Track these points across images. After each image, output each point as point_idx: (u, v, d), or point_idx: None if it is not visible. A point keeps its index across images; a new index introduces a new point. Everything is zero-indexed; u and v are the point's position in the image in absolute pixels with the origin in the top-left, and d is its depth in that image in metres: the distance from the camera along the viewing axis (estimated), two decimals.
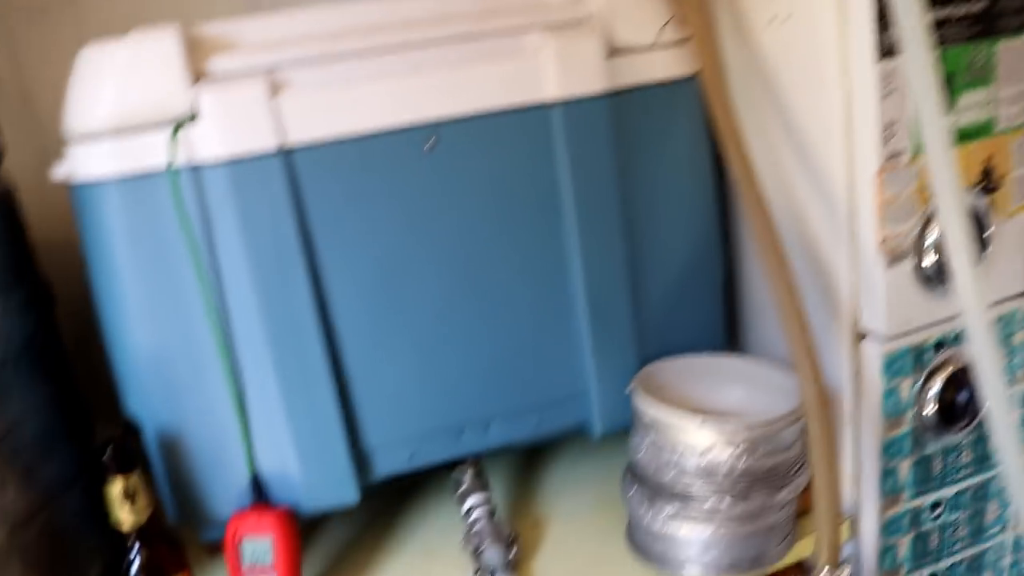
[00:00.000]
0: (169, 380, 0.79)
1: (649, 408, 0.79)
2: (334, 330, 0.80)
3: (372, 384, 0.82)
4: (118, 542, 0.75)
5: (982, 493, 0.94)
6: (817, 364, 0.74)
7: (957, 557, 0.96)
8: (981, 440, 0.91)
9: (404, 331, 0.82)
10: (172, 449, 0.80)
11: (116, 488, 0.73)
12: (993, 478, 0.94)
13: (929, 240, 0.83)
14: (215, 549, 0.92)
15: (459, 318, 0.83)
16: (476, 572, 0.83)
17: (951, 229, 0.67)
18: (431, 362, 0.83)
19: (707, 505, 0.78)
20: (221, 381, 0.78)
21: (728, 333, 0.99)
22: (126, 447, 0.74)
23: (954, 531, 0.94)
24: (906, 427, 0.86)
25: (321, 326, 0.79)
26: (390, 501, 1.00)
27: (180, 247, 0.76)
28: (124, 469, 0.74)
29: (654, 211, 0.90)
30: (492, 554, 0.83)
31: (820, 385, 0.73)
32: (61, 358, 0.87)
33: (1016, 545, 0.99)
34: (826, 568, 0.78)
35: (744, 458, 0.77)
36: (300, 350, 0.79)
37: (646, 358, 0.89)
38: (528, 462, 1.05)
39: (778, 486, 0.79)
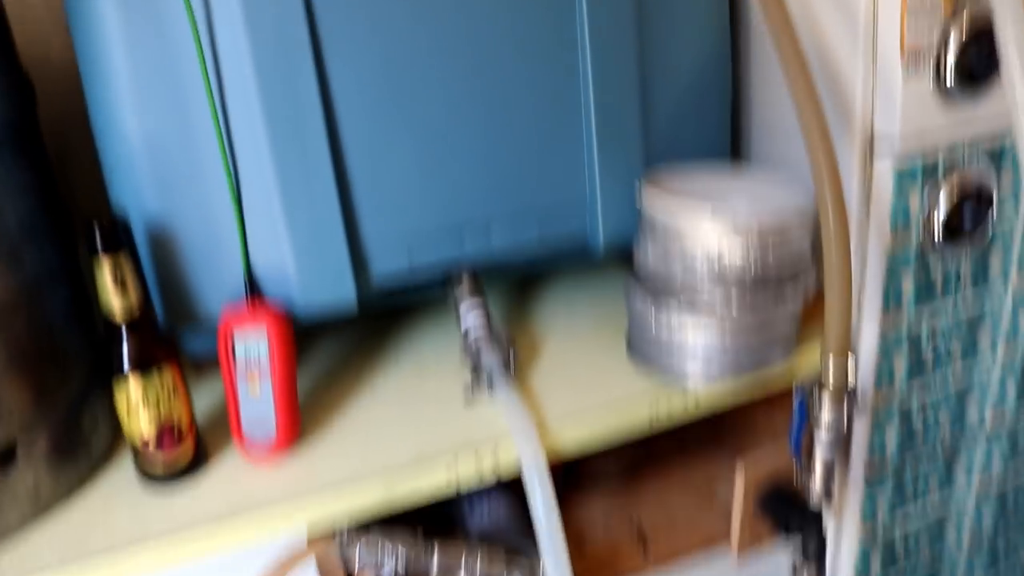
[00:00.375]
0: (161, 167, 0.75)
1: (659, 203, 0.77)
2: (336, 120, 0.76)
3: (373, 177, 0.78)
4: (105, 337, 0.72)
5: (978, 314, 0.94)
6: (833, 154, 0.71)
7: (949, 378, 0.96)
8: (982, 259, 0.90)
9: (407, 124, 0.78)
10: (161, 241, 0.77)
11: (105, 269, 0.70)
12: (990, 299, 0.93)
13: (951, 49, 0.80)
14: (204, 367, 0.90)
15: (464, 114, 0.80)
16: (474, 379, 0.82)
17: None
18: (433, 157, 0.80)
19: (715, 309, 0.76)
20: (217, 169, 0.75)
21: (733, 152, 0.96)
22: (114, 228, 0.71)
23: (949, 351, 0.94)
24: (912, 242, 0.84)
25: (323, 115, 0.75)
26: (386, 322, 0.98)
27: (179, 25, 0.71)
28: (112, 249, 0.70)
29: (667, 19, 0.86)
30: (490, 357, 0.81)
31: (836, 174, 0.71)
32: (41, 151, 0.82)
33: (1004, 369, 1.00)
34: (831, 373, 0.76)
35: (753, 259, 0.75)
36: (301, 139, 0.75)
37: (652, 168, 0.86)
38: (526, 287, 1.03)
39: (786, 290, 0.78)
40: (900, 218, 0.82)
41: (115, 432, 0.80)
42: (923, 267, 0.86)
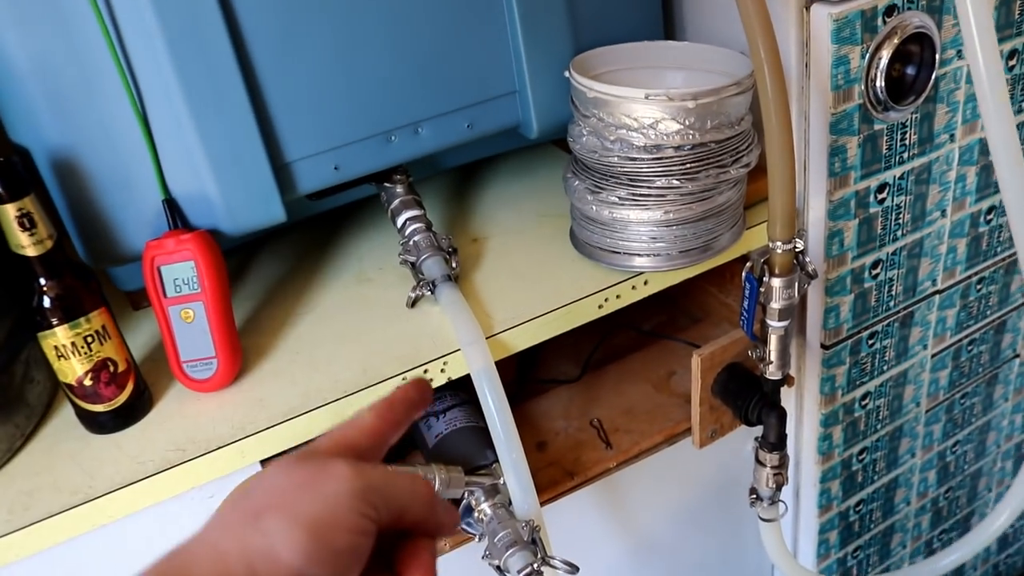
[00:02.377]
0: (55, 95, 0.69)
1: (590, 87, 0.73)
2: (240, 29, 0.71)
3: (287, 88, 0.74)
4: (26, 283, 0.68)
5: (925, 176, 0.93)
6: (768, 18, 0.68)
7: (900, 243, 0.95)
8: (927, 118, 0.89)
9: (318, 28, 0.73)
10: (69, 175, 0.72)
11: (9, 215, 0.65)
12: (936, 160, 0.92)
13: None
14: (139, 303, 0.87)
15: (378, 12, 0.75)
16: (416, 285, 0.79)
17: None
18: (350, 62, 0.75)
19: (655, 185, 0.74)
20: (118, 92, 0.69)
21: (666, 29, 0.93)
22: (14, 170, 0.66)
23: (898, 215, 0.93)
24: (854, 102, 0.82)
25: (226, 25, 0.69)
26: (322, 230, 0.95)
27: None
28: (15, 194, 0.65)
29: None
30: (431, 265, 0.79)
31: (772, 42, 0.68)
32: None
33: (953, 231, 0.99)
34: (779, 243, 0.75)
35: (692, 132, 0.72)
36: (205, 53, 0.69)
37: (581, 50, 0.82)
38: (461, 184, 1.00)
39: (728, 162, 0.75)
40: (842, 76, 0.79)
41: (53, 382, 0.77)
42: (867, 129, 0.84)
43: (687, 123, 0.72)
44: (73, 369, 0.70)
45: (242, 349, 0.77)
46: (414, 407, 0.49)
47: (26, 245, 0.66)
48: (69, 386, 0.71)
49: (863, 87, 0.81)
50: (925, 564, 1.15)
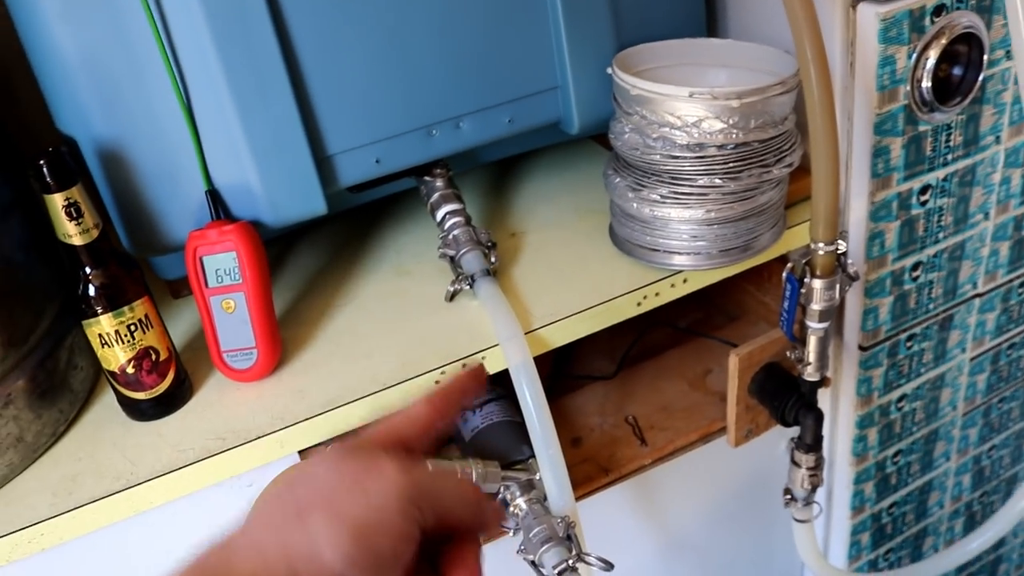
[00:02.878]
0: (103, 86, 0.70)
1: (634, 85, 0.73)
2: (285, 21, 0.71)
3: (331, 82, 0.74)
4: (72, 272, 0.69)
5: (969, 178, 0.91)
6: (815, 17, 0.67)
7: (941, 246, 0.94)
8: (973, 120, 0.88)
9: (364, 21, 0.74)
10: (115, 165, 0.73)
11: (57, 204, 0.66)
12: (981, 162, 0.91)
13: None
14: (180, 291, 0.87)
15: (423, 5, 0.75)
16: (455, 279, 0.79)
17: None
18: (394, 55, 0.75)
19: (697, 184, 0.74)
20: (164, 84, 0.70)
21: (709, 26, 0.92)
22: (62, 161, 0.67)
23: (940, 218, 0.92)
24: (900, 103, 0.81)
25: (271, 17, 0.70)
26: (362, 222, 0.95)
27: None
28: (63, 184, 0.66)
29: None
30: (471, 259, 0.79)
31: (819, 42, 0.67)
32: None
33: (995, 234, 0.98)
34: (821, 244, 0.74)
35: (736, 131, 0.72)
36: (250, 45, 0.70)
37: (624, 47, 0.82)
38: (500, 178, 1.00)
39: (771, 162, 0.75)
40: (887, 76, 0.79)
41: (96, 367, 0.78)
42: (912, 130, 0.83)
43: (731, 122, 0.71)
44: (116, 357, 0.71)
45: (282, 340, 0.77)
46: (469, 394, 0.49)
47: (73, 234, 0.67)
48: (112, 373, 0.72)
49: (909, 88, 0.80)
50: (953, 549, 1.13)
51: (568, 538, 0.70)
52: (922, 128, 0.84)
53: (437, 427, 0.46)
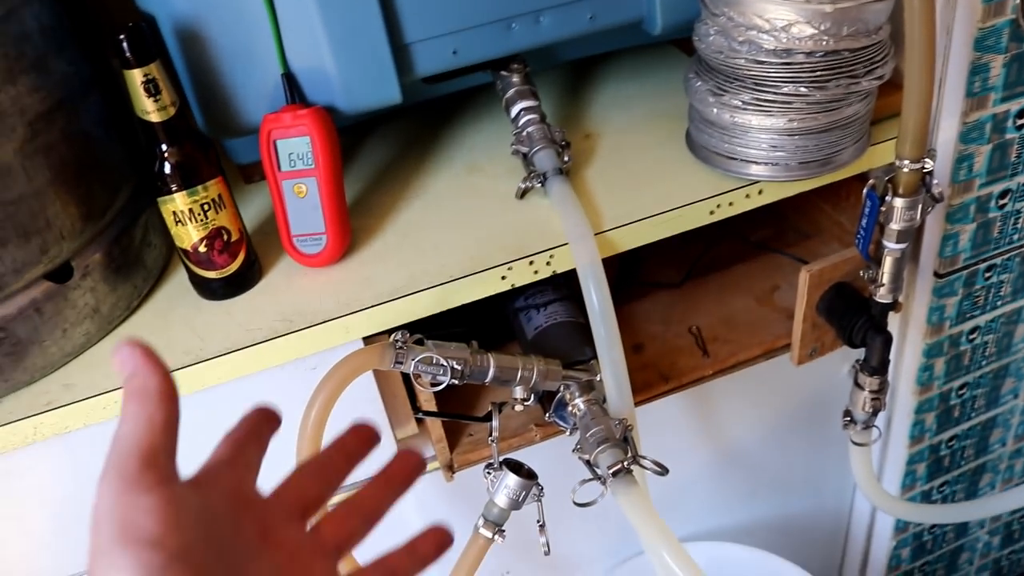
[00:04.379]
0: None
1: None
2: None
3: None
4: (148, 149, 0.70)
5: None
6: None
7: None
8: None
9: None
10: (193, 44, 0.73)
11: (135, 80, 0.67)
12: None
13: None
14: (252, 176, 0.88)
15: None
16: (527, 177, 0.78)
17: None
18: None
19: (782, 91, 0.71)
20: None
21: None
22: (142, 36, 0.67)
23: None
24: (1006, 17, 0.77)
25: None
26: (435, 116, 0.94)
27: None
28: (142, 59, 0.66)
29: None
30: (543, 157, 0.78)
31: None
32: None
33: None
34: (907, 161, 0.72)
35: (826, 39, 0.69)
36: None
37: None
38: (577, 79, 0.98)
39: (860, 73, 0.72)
40: None
41: (169, 246, 0.79)
42: (1016, 48, 0.79)
43: (822, 28, 0.68)
44: (189, 235, 0.72)
45: (351, 229, 0.78)
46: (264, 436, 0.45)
47: (150, 111, 0.68)
48: (184, 252, 0.73)
49: (1018, 1, 0.76)
50: (1014, 492, 1.12)
51: (625, 440, 0.71)
52: None
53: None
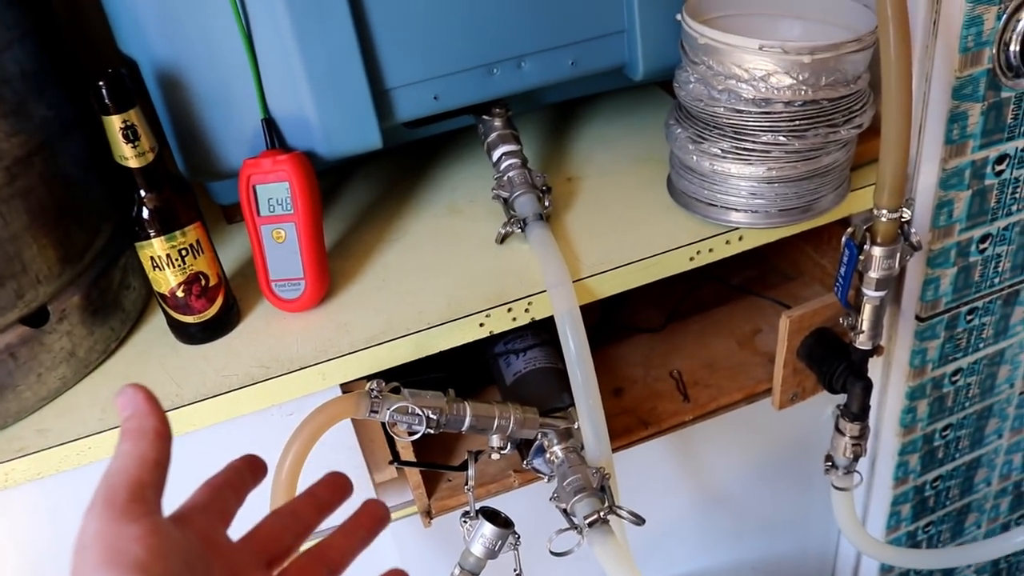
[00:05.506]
0: (165, 7, 0.70)
1: (702, 33, 0.71)
2: None
3: (393, 14, 0.72)
4: (127, 193, 0.70)
5: None
6: None
7: (1013, 219, 0.90)
8: None
9: None
10: (173, 88, 0.73)
11: (114, 126, 0.67)
12: None
13: None
14: (233, 217, 0.88)
15: None
16: (507, 222, 0.78)
17: None
18: None
19: (761, 140, 0.71)
20: (225, 7, 0.69)
21: None
22: (121, 82, 0.67)
23: (1015, 189, 0.88)
24: (983, 67, 0.78)
25: None
26: (416, 159, 0.94)
27: None
28: (121, 106, 0.66)
29: None
30: (524, 202, 0.78)
31: None
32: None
33: None
34: (885, 211, 0.72)
35: (805, 88, 0.69)
36: None
37: None
38: (559, 122, 0.98)
39: (839, 122, 0.72)
40: (972, 38, 0.75)
41: (148, 288, 0.79)
42: (993, 96, 0.80)
43: (800, 78, 0.69)
44: (167, 280, 0.71)
45: (330, 272, 0.77)
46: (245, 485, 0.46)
47: (129, 157, 0.68)
48: (162, 296, 0.73)
49: (994, 51, 0.77)
50: (999, 539, 1.11)
51: (602, 489, 0.70)
52: (1005, 95, 0.80)
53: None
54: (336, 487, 0.48)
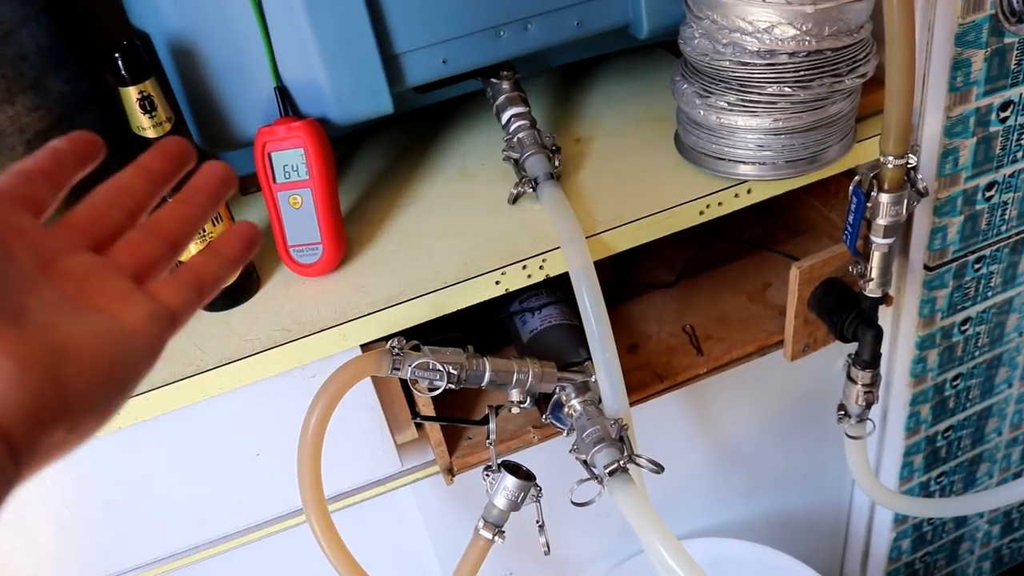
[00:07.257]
0: None
1: None
2: None
3: None
4: None
5: None
6: None
7: (1020, 165, 0.91)
8: None
9: None
10: (187, 60, 0.74)
11: (131, 97, 0.68)
12: None
13: None
14: (248, 188, 0.89)
15: None
16: (519, 182, 0.80)
17: None
18: None
19: (766, 92, 0.72)
20: None
21: None
22: (137, 54, 0.68)
23: (1020, 135, 0.89)
24: (985, 12, 0.78)
25: None
26: (428, 123, 0.96)
27: None
28: (137, 77, 0.68)
29: None
30: (534, 162, 0.79)
31: None
32: None
33: None
34: (891, 157, 0.73)
35: (809, 39, 0.70)
36: None
37: None
38: (567, 84, 0.99)
39: (843, 71, 0.73)
40: None
41: None
42: (996, 42, 0.80)
43: (804, 29, 0.69)
44: (187, 249, 0.73)
45: (346, 237, 0.79)
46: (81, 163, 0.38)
47: (146, 127, 0.69)
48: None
49: None
50: (1011, 487, 1.13)
51: (620, 439, 0.72)
52: (1008, 40, 0.81)
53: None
54: (170, 154, 0.40)
